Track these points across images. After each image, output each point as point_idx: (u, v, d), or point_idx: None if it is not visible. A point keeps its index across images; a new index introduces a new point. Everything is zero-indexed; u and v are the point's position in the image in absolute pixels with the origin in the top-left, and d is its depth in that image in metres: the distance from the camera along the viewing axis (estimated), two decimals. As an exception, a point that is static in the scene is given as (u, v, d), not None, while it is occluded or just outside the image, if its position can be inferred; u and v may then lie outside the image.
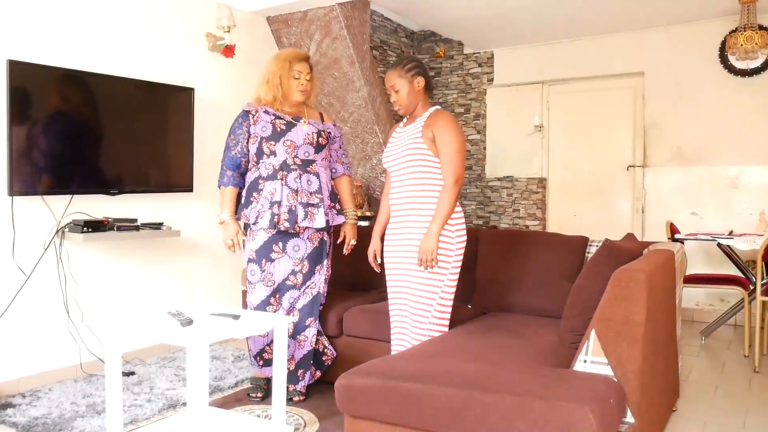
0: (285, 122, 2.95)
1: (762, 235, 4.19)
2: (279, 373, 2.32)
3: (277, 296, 3.01)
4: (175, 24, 4.07)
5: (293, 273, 3.00)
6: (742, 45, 4.60)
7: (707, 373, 3.67)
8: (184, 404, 3.03)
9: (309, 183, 2.95)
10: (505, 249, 3.31)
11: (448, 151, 2.59)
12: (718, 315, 4.67)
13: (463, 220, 2.68)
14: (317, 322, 3.13)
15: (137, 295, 3.85)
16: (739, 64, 4.96)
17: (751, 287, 3.99)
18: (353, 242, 3.20)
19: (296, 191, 2.91)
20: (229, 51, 4.36)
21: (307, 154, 2.96)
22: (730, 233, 4.37)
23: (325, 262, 3.10)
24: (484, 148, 6.28)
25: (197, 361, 2.48)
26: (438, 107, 2.75)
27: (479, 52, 6.27)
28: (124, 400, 3.05)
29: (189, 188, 4.04)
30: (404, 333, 2.69)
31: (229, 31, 4.27)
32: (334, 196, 3.10)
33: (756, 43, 4.55)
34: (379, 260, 2.88)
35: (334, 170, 3.18)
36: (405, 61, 2.75)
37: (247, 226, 3.04)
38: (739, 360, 3.93)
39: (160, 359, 3.80)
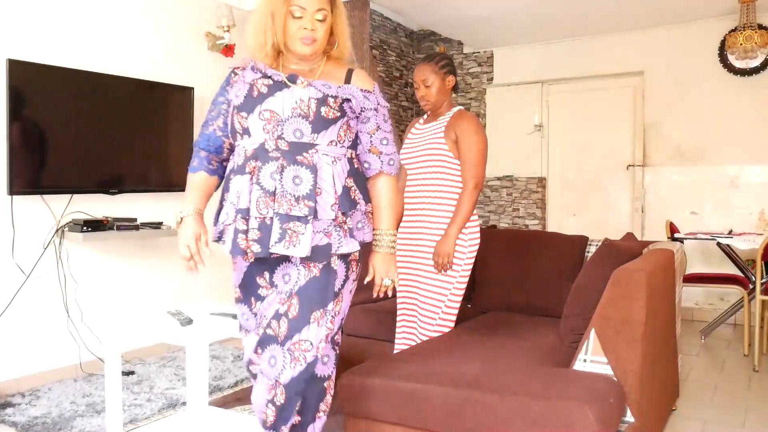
0: (271, 83, 1.82)
1: (761, 235, 4.19)
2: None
3: (259, 351, 1.86)
4: (175, 23, 4.06)
5: (276, 316, 1.82)
6: (741, 44, 4.60)
7: (707, 372, 3.67)
8: (184, 404, 3.03)
9: (296, 181, 1.76)
10: (505, 249, 3.31)
11: (470, 155, 2.57)
12: (718, 314, 4.67)
13: (478, 224, 2.67)
14: (323, 414, 1.89)
15: (137, 294, 3.85)
16: (738, 64, 4.96)
17: (751, 286, 3.99)
18: (388, 282, 1.94)
19: (273, 194, 1.76)
20: (228, 50, 4.36)
21: (298, 134, 1.79)
22: (730, 232, 4.37)
23: (330, 306, 1.82)
24: (484, 148, 6.28)
25: (197, 360, 2.49)
26: (461, 108, 2.72)
27: (479, 52, 6.27)
28: (124, 399, 3.05)
29: (188, 188, 4.04)
30: (411, 332, 2.70)
31: (228, 31, 4.27)
32: (350, 205, 1.85)
33: (755, 43, 4.56)
34: None
35: (366, 165, 1.94)
36: (439, 57, 2.70)
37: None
38: (738, 359, 3.93)
39: (159, 359, 3.80)
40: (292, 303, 1.81)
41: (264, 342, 1.84)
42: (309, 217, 1.76)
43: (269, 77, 1.84)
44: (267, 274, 1.86)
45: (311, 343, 1.79)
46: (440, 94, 2.68)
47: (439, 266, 2.55)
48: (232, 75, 1.95)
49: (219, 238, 1.89)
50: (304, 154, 1.79)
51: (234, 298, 1.96)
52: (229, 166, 1.90)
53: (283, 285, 1.84)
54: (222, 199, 1.91)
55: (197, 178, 1.96)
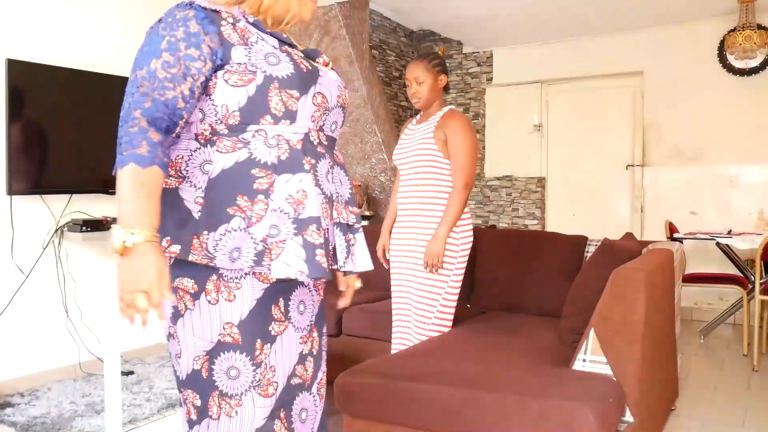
0: (302, 56, 1.38)
1: (761, 234, 4.19)
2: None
3: (283, 414, 1.38)
4: (174, 23, 4.06)
5: (300, 359, 1.43)
6: (740, 44, 4.60)
7: (706, 372, 3.67)
8: (184, 403, 3.03)
9: (341, 184, 1.43)
10: (504, 248, 3.31)
11: (459, 154, 2.57)
12: (717, 314, 4.67)
13: (470, 224, 2.67)
14: None
15: (136, 294, 3.84)
16: (737, 64, 4.97)
17: (750, 286, 4.00)
18: (358, 285, 1.66)
19: (330, 200, 1.36)
20: (228, 50, 4.35)
21: (334, 127, 1.44)
22: (729, 232, 4.37)
23: (325, 327, 1.59)
24: (483, 148, 6.29)
25: (196, 360, 2.48)
26: (452, 107, 2.73)
27: (478, 52, 6.27)
28: (123, 399, 3.05)
29: (188, 187, 4.04)
30: (407, 333, 2.70)
31: (228, 31, 4.27)
32: None
33: (755, 43, 4.56)
34: (387, 256, 2.83)
35: None
36: (432, 55, 2.73)
37: (216, 275, 1.28)
38: (738, 359, 3.93)
39: (159, 358, 3.80)
40: (313, 338, 1.47)
41: (290, 394, 1.40)
42: (357, 225, 1.45)
43: (293, 46, 1.36)
44: (282, 302, 1.36)
45: (324, 373, 1.54)
46: (432, 92, 2.69)
47: (429, 266, 2.55)
48: (221, 20, 1.28)
49: (257, 262, 1.24)
50: (334, 151, 1.44)
51: (218, 341, 1.29)
52: (238, 156, 1.25)
53: (299, 317, 1.41)
54: (226, 202, 1.24)
55: (151, 176, 1.19)
